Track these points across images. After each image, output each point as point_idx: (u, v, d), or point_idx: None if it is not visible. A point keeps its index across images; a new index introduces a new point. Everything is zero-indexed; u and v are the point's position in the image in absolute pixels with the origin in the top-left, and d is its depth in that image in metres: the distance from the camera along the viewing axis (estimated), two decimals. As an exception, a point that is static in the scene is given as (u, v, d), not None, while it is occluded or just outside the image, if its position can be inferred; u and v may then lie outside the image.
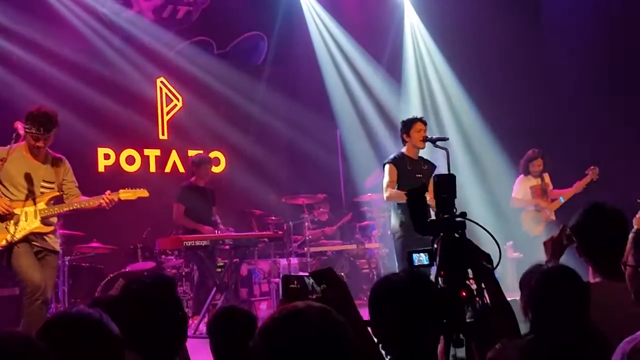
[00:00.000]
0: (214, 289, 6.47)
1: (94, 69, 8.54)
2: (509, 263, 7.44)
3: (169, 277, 2.55)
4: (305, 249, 8.08)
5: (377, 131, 9.91)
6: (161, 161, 9.20)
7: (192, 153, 9.46)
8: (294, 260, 8.10)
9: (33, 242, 4.79)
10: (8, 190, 4.80)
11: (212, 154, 9.36)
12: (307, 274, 2.06)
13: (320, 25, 10.19)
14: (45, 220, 4.83)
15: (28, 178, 4.80)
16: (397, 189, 5.63)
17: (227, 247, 6.75)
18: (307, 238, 8.11)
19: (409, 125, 5.85)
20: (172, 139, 9.36)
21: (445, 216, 2.29)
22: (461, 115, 9.76)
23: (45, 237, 4.84)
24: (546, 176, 7.50)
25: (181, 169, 9.32)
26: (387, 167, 5.78)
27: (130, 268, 7.17)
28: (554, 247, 2.92)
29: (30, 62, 8.01)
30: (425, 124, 5.87)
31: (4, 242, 4.68)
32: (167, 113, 9.39)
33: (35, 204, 4.80)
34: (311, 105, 9.84)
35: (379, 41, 10.16)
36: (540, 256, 3.15)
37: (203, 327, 6.18)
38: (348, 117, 10.02)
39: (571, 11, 9.00)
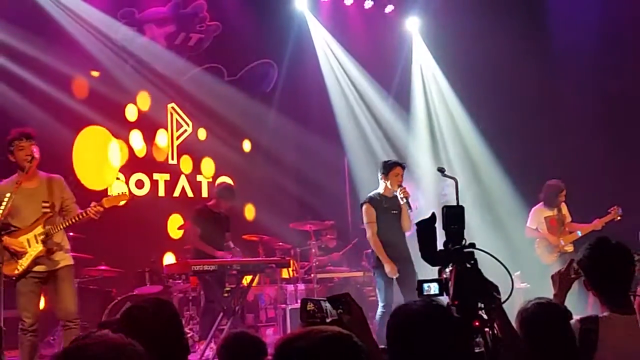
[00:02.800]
0: (221, 314, 6.48)
1: (106, 92, 8.69)
2: (516, 293, 7.39)
3: (170, 304, 2.54)
4: (312, 275, 8.08)
5: (385, 159, 9.95)
6: (170, 185, 9.28)
7: (200, 178, 9.57)
8: (301, 287, 8.10)
9: (39, 271, 4.96)
10: (14, 220, 4.96)
11: (221, 179, 9.44)
12: (324, 298, 2.10)
13: (329, 54, 10.32)
14: (47, 242, 4.97)
15: (30, 206, 4.98)
16: (377, 225, 6.09)
17: (235, 272, 6.77)
18: (315, 264, 8.12)
19: (388, 168, 6.19)
20: (182, 164, 9.45)
21: (456, 247, 2.33)
22: (469, 146, 9.82)
23: (50, 257, 4.99)
24: (564, 207, 7.48)
25: (190, 194, 9.39)
26: (364, 207, 6.22)
27: (138, 291, 7.19)
28: (562, 281, 2.97)
29: (42, 87, 8.11)
30: (404, 169, 6.23)
31: (16, 272, 4.89)
32: (177, 138, 9.50)
33: (34, 228, 4.97)
34: (319, 132, 9.93)
35: (388, 71, 10.28)
36: (547, 287, 3.18)
37: (209, 352, 6.19)
38: (356, 144, 10.09)
39: (582, 44, 9.08)
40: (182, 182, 9.43)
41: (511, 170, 9.17)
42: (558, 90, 9.45)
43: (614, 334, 2.59)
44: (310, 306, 2.01)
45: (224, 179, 9.38)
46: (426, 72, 10.47)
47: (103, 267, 7.38)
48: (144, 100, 9.11)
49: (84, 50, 8.43)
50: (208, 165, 9.69)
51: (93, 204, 5.03)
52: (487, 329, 2.21)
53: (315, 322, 1.98)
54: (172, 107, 9.48)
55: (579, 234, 7.30)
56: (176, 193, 9.36)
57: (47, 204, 5.02)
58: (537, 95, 9.39)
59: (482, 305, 2.24)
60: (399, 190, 6.05)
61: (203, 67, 9.60)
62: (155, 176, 9.19)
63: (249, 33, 9.56)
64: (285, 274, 8.39)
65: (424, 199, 9.38)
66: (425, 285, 2.39)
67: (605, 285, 2.79)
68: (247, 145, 10.01)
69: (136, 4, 9.07)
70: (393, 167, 6.17)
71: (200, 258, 6.66)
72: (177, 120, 9.51)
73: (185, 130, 9.56)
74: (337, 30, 10.26)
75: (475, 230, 8.15)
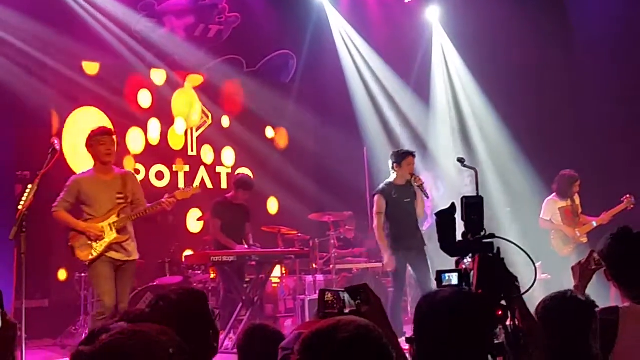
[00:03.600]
0: (240, 304, 6.51)
1: (127, 84, 8.76)
2: (537, 284, 7.33)
3: (200, 292, 2.52)
4: (331, 266, 8.09)
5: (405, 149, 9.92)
6: (190, 177, 9.33)
7: (219, 169, 9.61)
8: (320, 277, 8.11)
9: (114, 258, 5.26)
10: (90, 209, 5.30)
11: (240, 170, 9.47)
12: (342, 289, 2.10)
13: (349, 44, 10.27)
14: (120, 230, 5.30)
15: (105, 196, 5.32)
16: (386, 214, 6.26)
17: (254, 263, 6.80)
18: (333, 255, 8.13)
19: (401, 157, 6.36)
20: (202, 155, 9.49)
21: (476, 237, 2.31)
22: (489, 134, 9.73)
23: (124, 245, 5.32)
24: (577, 198, 7.41)
25: (209, 185, 9.43)
26: (375, 197, 6.42)
27: (158, 282, 7.25)
28: (582, 272, 2.95)
29: (65, 75, 8.20)
30: (414, 157, 6.43)
31: (90, 257, 5.20)
32: (197, 129, 9.54)
33: (109, 217, 5.29)
34: (339, 122, 9.90)
35: (408, 60, 10.19)
36: (568, 278, 3.15)
37: (228, 343, 6.22)
38: (375, 135, 10.05)
39: (606, 35, 8.91)
40: (202, 173, 9.47)
41: (532, 161, 9.05)
42: (581, 82, 9.30)
43: (634, 325, 2.57)
44: (328, 296, 2.02)
45: (244, 170, 9.42)
46: (446, 61, 10.36)
47: (124, 258, 7.43)
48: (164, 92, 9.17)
49: (103, 41, 8.50)
50: (228, 156, 9.72)
51: (166, 196, 5.47)
52: (508, 320, 2.19)
53: (333, 312, 1.98)
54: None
55: (594, 224, 7.22)
56: (196, 184, 9.38)
57: (121, 195, 5.35)
58: (560, 86, 9.25)
59: (503, 295, 2.22)
60: (413, 178, 6.18)
61: (222, 58, 9.62)
62: (175, 167, 9.24)
63: (268, 24, 9.56)
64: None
65: (444, 189, 9.33)
66: (445, 276, 2.37)
67: (626, 275, 2.77)
68: (269, 133, 10.04)
69: (156, -5, 9.11)
70: (405, 157, 6.34)
71: (219, 250, 6.69)
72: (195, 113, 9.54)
73: (205, 122, 9.59)
74: (356, 20, 10.20)
75: (496, 221, 8.10)
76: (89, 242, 5.22)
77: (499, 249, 2.31)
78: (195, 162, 9.43)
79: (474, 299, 2.04)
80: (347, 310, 1.99)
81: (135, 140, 8.89)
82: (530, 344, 2.15)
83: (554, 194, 7.42)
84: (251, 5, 9.68)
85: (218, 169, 9.64)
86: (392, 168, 6.35)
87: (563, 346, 2.32)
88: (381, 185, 6.45)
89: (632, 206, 7.07)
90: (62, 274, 7.95)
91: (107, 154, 5.33)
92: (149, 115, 9.05)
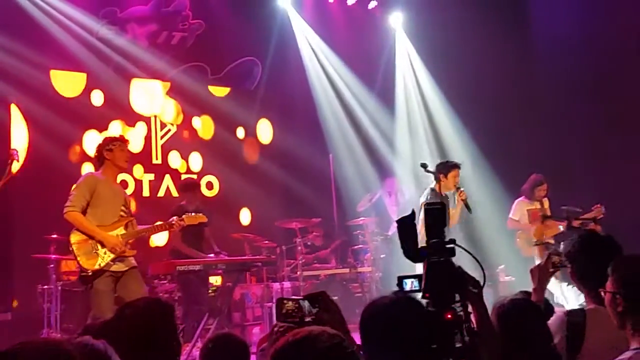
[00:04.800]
0: (207, 314, 6.46)
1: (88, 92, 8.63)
2: (501, 287, 7.46)
3: (167, 303, 2.50)
4: (298, 272, 8.08)
5: (370, 155, 10.02)
6: (155, 186, 9.22)
7: (186, 177, 9.53)
8: (287, 284, 8.10)
9: (115, 270, 5.04)
10: (97, 214, 5.05)
11: (206, 178, 9.41)
12: (301, 297, 2.08)
13: (313, 50, 10.31)
14: (126, 245, 5.11)
15: (111, 205, 5.15)
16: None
17: (220, 271, 6.74)
18: (300, 262, 8.12)
19: (448, 169, 6.47)
20: (166, 164, 9.40)
21: (434, 242, 2.33)
22: (451, 141, 9.87)
23: (126, 257, 5.13)
24: (545, 201, 7.53)
25: (174, 193, 9.33)
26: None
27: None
28: (541, 274, 2.99)
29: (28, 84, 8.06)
30: (460, 170, 6.54)
31: (96, 267, 4.95)
32: (162, 137, 9.45)
33: (116, 228, 5.10)
34: (305, 129, 9.93)
35: (372, 66, 10.28)
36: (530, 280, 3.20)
37: (196, 352, 6.16)
38: (341, 141, 10.10)
39: (564, 39, 9.13)
40: (167, 181, 9.37)
41: (494, 165, 9.21)
42: (540, 86, 9.51)
43: (601, 326, 2.61)
44: (289, 305, 1.99)
45: (210, 178, 9.37)
46: (410, 67, 10.48)
47: (88, 269, 7.30)
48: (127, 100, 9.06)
49: (65, 49, 8.38)
50: (195, 163, 9.64)
51: (175, 218, 5.50)
52: (464, 323, 2.22)
53: (294, 321, 1.97)
54: (156, 106, 9.43)
55: (561, 228, 7.34)
56: (161, 193, 9.31)
57: (125, 209, 5.25)
58: (520, 90, 9.43)
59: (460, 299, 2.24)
60: (458, 192, 6.34)
61: (186, 65, 9.55)
62: (139, 177, 9.12)
63: (232, 31, 9.53)
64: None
65: (409, 194, 9.41)
66: (406, 281, 2.39)
67: (592, 277, 2.79)
68: (231, 143, 9.97)
69: (118, 3, 9.00)
70: (452, 169, 6.46)
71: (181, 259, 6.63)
72: (160, 120, 9.45)
73: (169, 130, 9.50)
74: (321, 27, 10.25)
75: (459, 226, 8.20)
76: (96, 251, 4.98)
77: (450, 251, 2.31)
78: (160, 171, 9.33)
79: (412, 305, 2.05)
80: (307, 319, 1.97)
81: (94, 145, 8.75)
82: (481, 345, 2.17)
83: (523, 196, 7.54)
84: (215, 12, 9.63)
85: (184, 177, 9.55)
86: (436, 178, 6.39)
87: (519, 348, 2.36)
88: (429, 196, 6.50)
89: (601, 216, 7.16)
90: (24, 287, 7.77)
91: (127, 161, 5.35)
92: (109, 120, 8.90)
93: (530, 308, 2.46)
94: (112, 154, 5.22)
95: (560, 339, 2.64)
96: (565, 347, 2.61)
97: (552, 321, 2.70)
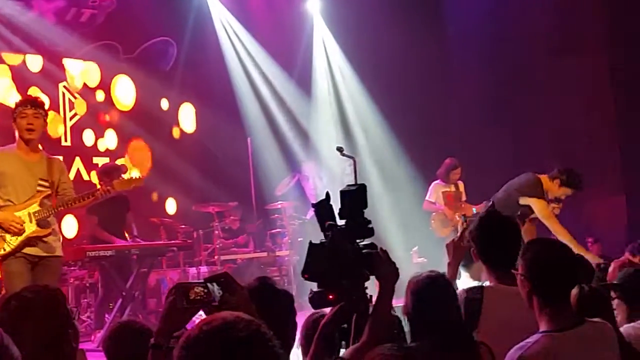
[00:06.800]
0: (120, 300, 6.29)
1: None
2: (414, 268, 7.65)
3: (56, 289, 2.34)
4: (216, 257, 7.99)
5: (288, 140, 10.02)
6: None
7: (97, 160, 9.19)
8: (204, 269, 8.00)
9: (29, 253, 4.48)
10: (6, 192, 4.48)
11: (120, 161, 9.12)
12: (201, 280, 1.93)
13: (231, 33, 10.14)
14: (41, 222, 4.50)
15: (26, 180, 4.52)
16: None
17: (134, 256, 6.57)
18: (218, 246, 8.03)
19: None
20: (76, 146, 9.03)
21: (329, 223, 2.35)
22: (368, 123, 10.03)
23: (44, 240, 4.52)
24: (460, 184, 7.79)
25: (85, 177, 9.00)
26: None
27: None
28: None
29: None
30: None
31: (2, 252, 4.40)
32: (71, 119, 9.07)
33: (29, 205, 4.50)
34: (222, 112, 9.78)
35: (290, 50, 10.25)
36: (444, 261, 3.30)
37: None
38: (259, 125, 10.03)
39: (476, 29, 9.43)
40: (77, 164, 9.01)
41: (409, 148, 9.43)
42: (454, 72, 9.80)
43: (497, 304, 2.71)
44: (198, 290, 1.85)
45: (122, 161, 9.10)
46: (327, 52, 10.53)
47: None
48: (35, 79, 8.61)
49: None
50: (104, 147, 9.32)
51: (102, 184, 4.73)
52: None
53: (202, 306, 1.86)
54: (64, 86, 9.02)
55: (474, 210, 7.61)
56: (71, 176, 8.89)
57: (45, 182, 4.56)
58: (435, 77, 9.68)
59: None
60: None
61: (97, 43, 9.18)
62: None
63: (145, 10, 9.21)
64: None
65: (326, 178, 9.48)
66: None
67: (492, 255, 2.91)
68: (146, 125, 9.70)
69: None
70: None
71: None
72: (69, 100, 9.06)
73: (76, 114, 9.13)
74: (238, 9, 10.09)
75: (377, 209, 8.36)
76: (2, 235, 4.42)
77: (334, 233, 2.31)
78: (70, 153, 8.95)
79: (271, 287, 2.25)
80: (215, 303, 1.84)
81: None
82: (372, 326, 2.24)
83: (439, 179, 7.76)
84: (128, -10, 9.30)
85: (95, 159, 9.21)
86: (555, 183, 6.27)
87: (432, 323, 2.43)
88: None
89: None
90: None
91: (29, 129, 4.47)
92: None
93: (445, 283, 2.53)
94: (15, 123, 4.53)
95: None
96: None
97: None
